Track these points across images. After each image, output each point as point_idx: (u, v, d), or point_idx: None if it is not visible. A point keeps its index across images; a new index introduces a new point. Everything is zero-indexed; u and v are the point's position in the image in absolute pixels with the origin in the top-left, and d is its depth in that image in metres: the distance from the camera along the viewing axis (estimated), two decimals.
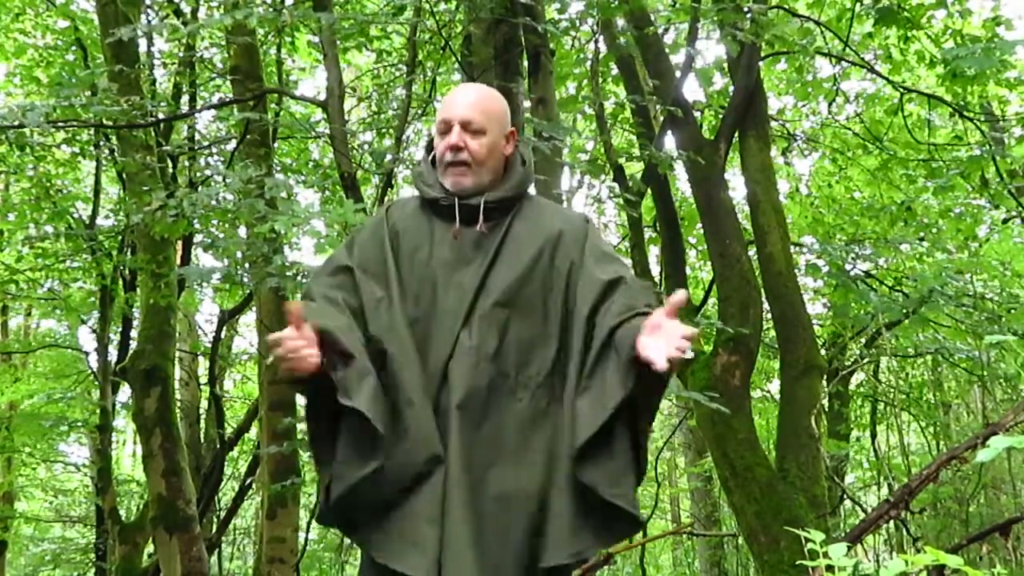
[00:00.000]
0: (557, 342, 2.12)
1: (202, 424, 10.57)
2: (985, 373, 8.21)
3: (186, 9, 8.08)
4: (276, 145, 8.57)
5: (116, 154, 7.98)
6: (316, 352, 1.92)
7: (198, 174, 8.32)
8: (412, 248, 2.18)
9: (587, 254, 2.17)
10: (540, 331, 2.12)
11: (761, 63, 6.85)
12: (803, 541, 2.14)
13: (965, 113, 7.41)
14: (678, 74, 6.45)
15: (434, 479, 1.98)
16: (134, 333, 8.89)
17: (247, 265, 5.07)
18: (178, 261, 8.07)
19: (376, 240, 2.22)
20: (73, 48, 8.95)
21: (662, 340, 1.84)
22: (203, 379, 11.00)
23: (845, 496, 7.34)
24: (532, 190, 2.37)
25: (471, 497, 1.97)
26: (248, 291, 8.48)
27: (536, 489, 2.02)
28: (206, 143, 8.62)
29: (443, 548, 1.93)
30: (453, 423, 2.01)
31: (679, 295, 1.87)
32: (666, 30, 7.25)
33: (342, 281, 2.16)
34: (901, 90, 7.42)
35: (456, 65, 5.91)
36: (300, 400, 2.02)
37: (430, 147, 2.32)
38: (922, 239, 7.95)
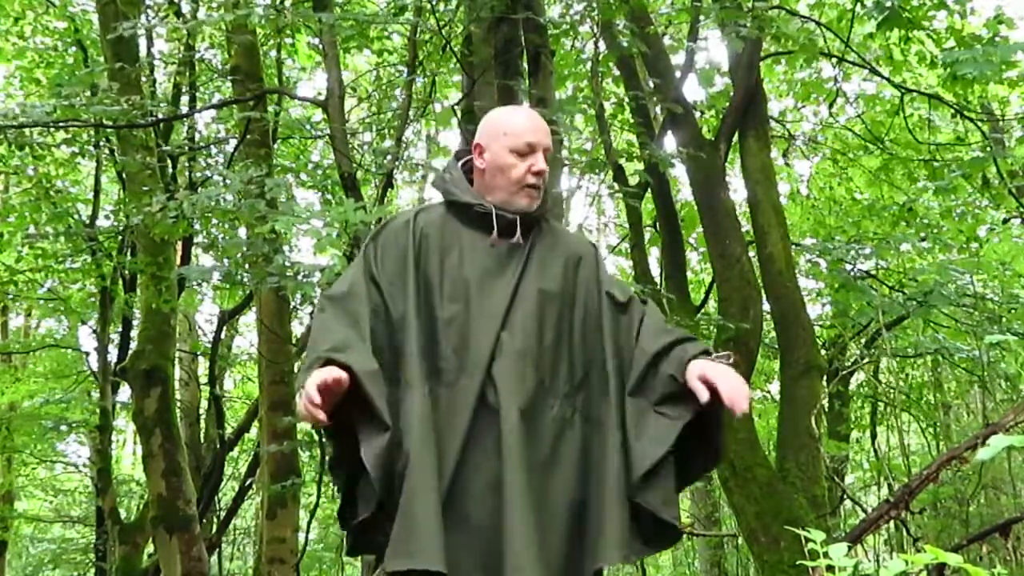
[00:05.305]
0: (573, 356, 2.21)
1: (202, 424, 10.57)
2: (985, 373, 8.20)
3: (186, 9, 8.08)
4: (276, 146, 8.56)
5: (116, 154, 7.97)
6: (324, 417, 1.96)
7: (198, 174, 8.31)
8: (442, 251, 2.24)
9: (603, 281, 2.31)
10: (564, 343, 2.21)
11: (761, 63, 6.84)
12: (803, 541, 2.14)
13: (966, 113, 7.40)
14: (678, 74, 6.44)
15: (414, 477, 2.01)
16: (134, 333, 8.88)
17: (247, 265, 5.07)
18: (178, 262, 8.07)
19: (399, 247, 2.25)
20: (73, 49, 8.94)
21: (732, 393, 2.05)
22: (203, 379, 11.00)
23: (845, 496, 7.32)
24: None
25: (531, 500, 2.03)
26: (248, 291, 8.47)
27: (568, 499, 2.10)
28: (206, 143, 8.61)
29: (504, 547, 1.97)
30: (510, 426, 2.06)
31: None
32: (665, 32, 7.24)
33: (368, 296, 2.19)
34: (902, 90, 7.40)
35: (456, 65, 5.90)
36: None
37: (459, 156, 2.40)
38: (923, 239, 7.93)
